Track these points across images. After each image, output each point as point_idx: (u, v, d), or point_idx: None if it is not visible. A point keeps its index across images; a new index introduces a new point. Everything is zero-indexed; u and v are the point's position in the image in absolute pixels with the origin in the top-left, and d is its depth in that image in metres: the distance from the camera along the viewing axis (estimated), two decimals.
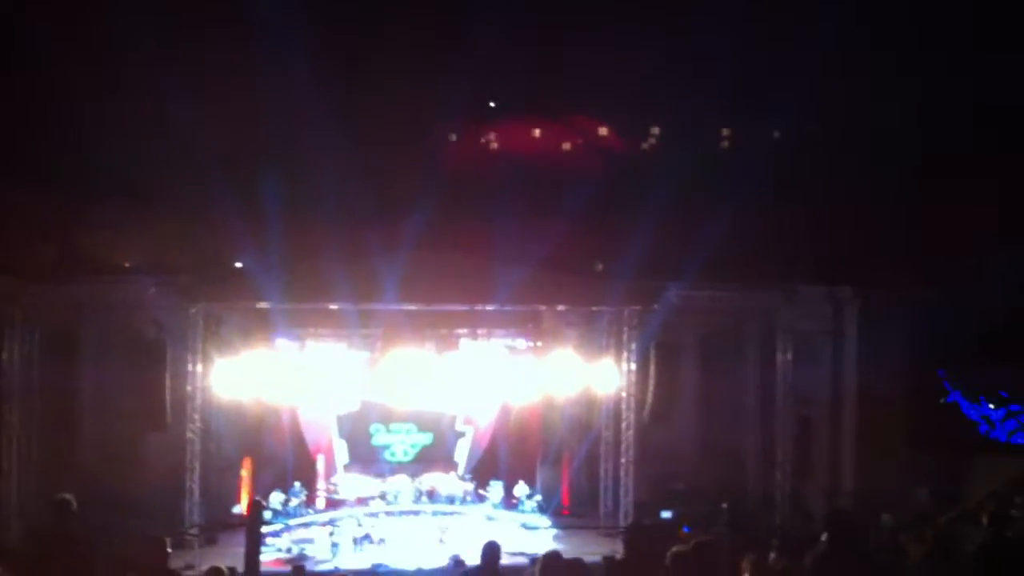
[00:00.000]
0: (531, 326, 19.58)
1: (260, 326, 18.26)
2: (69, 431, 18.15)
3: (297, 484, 18.77)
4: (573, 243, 18.84)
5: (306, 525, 18.28)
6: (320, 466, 19.66)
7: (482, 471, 19.84)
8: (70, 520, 7.64)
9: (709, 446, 19.74)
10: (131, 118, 19.58)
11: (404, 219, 17.89)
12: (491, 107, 25.92)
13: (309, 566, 16.00)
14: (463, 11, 20.15)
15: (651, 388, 19.16)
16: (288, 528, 18.04)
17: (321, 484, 19.50)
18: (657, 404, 19.17)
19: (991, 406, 18.08)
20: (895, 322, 17.76)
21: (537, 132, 25.99)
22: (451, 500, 19.16)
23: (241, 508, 18.35)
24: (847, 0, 18.64)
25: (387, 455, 19.98)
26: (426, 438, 20.15)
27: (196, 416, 17.50)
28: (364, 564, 16.50)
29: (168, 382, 17.88)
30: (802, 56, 18.33)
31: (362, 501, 18.98)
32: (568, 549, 14.17)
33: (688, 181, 19.53)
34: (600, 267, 21.19)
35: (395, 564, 16.50)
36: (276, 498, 18.33)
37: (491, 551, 7.91)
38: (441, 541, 17.60)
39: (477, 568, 8.14)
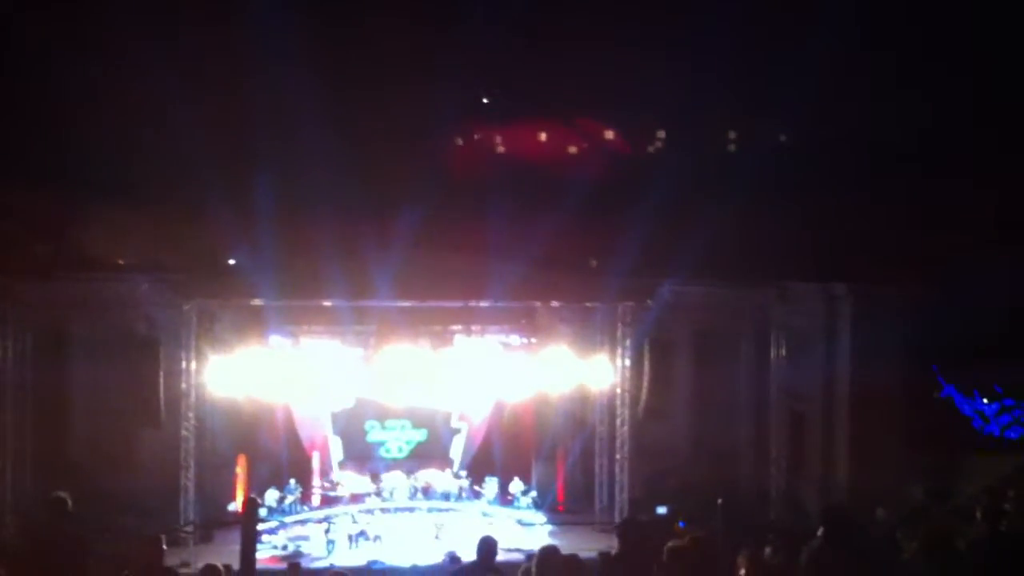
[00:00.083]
0: (525, 322, 19.59)
1: (254, 323, 18.24)
2: (63, 429, 18.10)
3: (292, 481, 18.78)
4: (568, 240, 18.82)
5: (302, 522, 18.32)
6: (315, 463, 19.67)
7: (477, 467, 19.87)
8: (65, 519, 7.61)
9: (703, 442, 19.77)
10: (124, 115, 19.53)
11: (398, 216, 17.87)
12: (484, 103, 25.88)
13: (305, 563, 15.99)
14: (463, 10, 20.12)
15: (645, 384, 19.18)
16: (284, 525, 18.07)
17: (316, 481, 19.51)
18: (652, 400, 19.20)
19: (985, 401, 18.15)
20: (889, 318, 17.78)
21: (538, 133, 25.98)
22: (446, 497, 19.21)
23: (236, 505, 18.33)
24: (847, 1, 18.66)
25: (382, 452, 20.00)
26: (421, 434, 20.16)
27: (191, 414, 17.49)
28: (360, 561, 16.51)
29: (162, 379, 17.86)
30: (800, 57, 18.36)
31: (357, 498, 19.00)
32: (563, 545, 14.12)
33: (688, 182, 19.53)
34: (594, 263, 21.20)
35: (391, 561, 16.52)
36: (271, 495, 18.35)
37: (487, 547, 7.91)
38: (436, 537, 17.61)
39: (473, 564, 8.14)
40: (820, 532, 6.89)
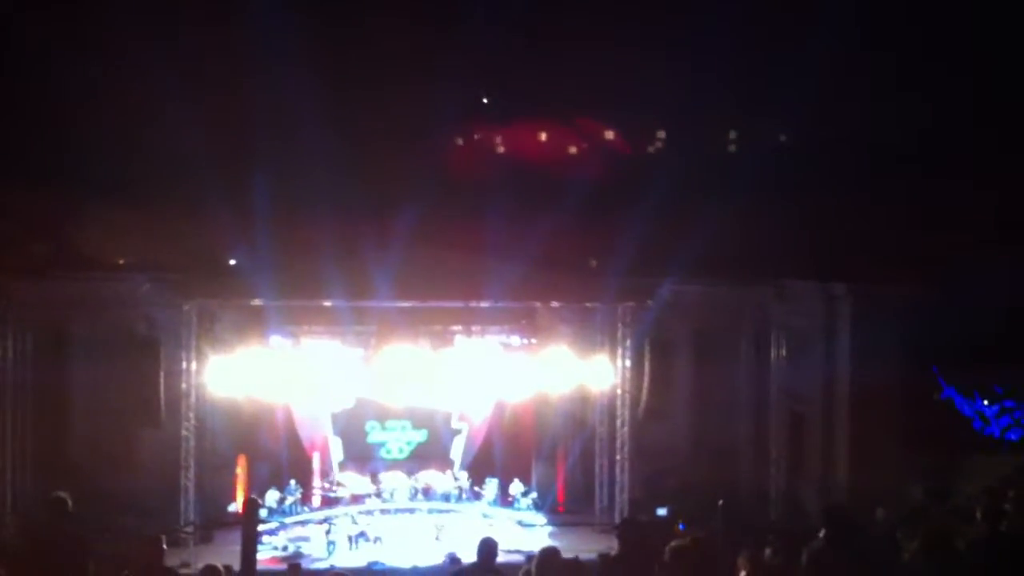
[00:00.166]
0: (526, 323, 19.57)
1: (254, 323, 18.22)
2: (63, 429, 18.09)
3: (292, 482, 18.77)
4: (567, 240, 18.83)
5: (302, 523, 18.30)
6: (315, 464, 19.66)
7: (477, 468, 19.86)
8: (65, 519, 7.60)
9: (703, 442, 19.77)
10: (124, 115, 19.54)
11: (398, 216, 17.87)
12: (485, 104, 25.91)
13: (305, 564, 15.99)
14: (463, 10, 20.13)
15: (646, 385, 19.18)
16: (284, 526, 18.06)
17: (317, 482, 19.50)
18: (652, 401, 19.20)
19: (985, 403, 18.14)
20: (888, 319, 17.77)
21: (537, 133, 26.00)
22: (447, 498, 19.19)
23: (237, 506, 18.32)
24: (846, 2, 18.67)
25: (382, 452, 19.98)
26: (421, 435, 20.15)
27: (191, 414, 17.47)
28: (360, 562, 16.51)
29: (162, 379, 17.87)
30: (800, 57, 18.37)
31: (358, 499, 18.99)
32: (564, 546, 14.12)
33: (687, 181, 19.55)
34: (594, 264, 21.20)
35: (391, 562, 16.51)
36: (272, 496, 18.34)
37: (487, 548, 7.89)
38: (437, 539, 17.60)
39: (473, 565, 8.13)
40: (822, 533, 6.89)
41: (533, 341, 19.19)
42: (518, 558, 13.42)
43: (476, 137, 26.13)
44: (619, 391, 18.67)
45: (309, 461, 19.63)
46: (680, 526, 15.05)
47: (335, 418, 19.64)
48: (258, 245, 17.66)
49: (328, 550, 17.25)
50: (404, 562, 16.45)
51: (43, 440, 17.76)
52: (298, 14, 19.34)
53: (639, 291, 18.31)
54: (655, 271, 18.24)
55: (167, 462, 17.45)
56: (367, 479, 19.44)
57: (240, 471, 19.08)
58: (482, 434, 20.19)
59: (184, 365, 17.45)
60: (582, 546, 14.49)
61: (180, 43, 19.72)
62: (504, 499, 19.38)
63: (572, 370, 18.58)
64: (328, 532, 17.64)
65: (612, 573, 9.17)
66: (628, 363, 18.62)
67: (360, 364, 18.25)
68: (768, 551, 9.41)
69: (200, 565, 8.70)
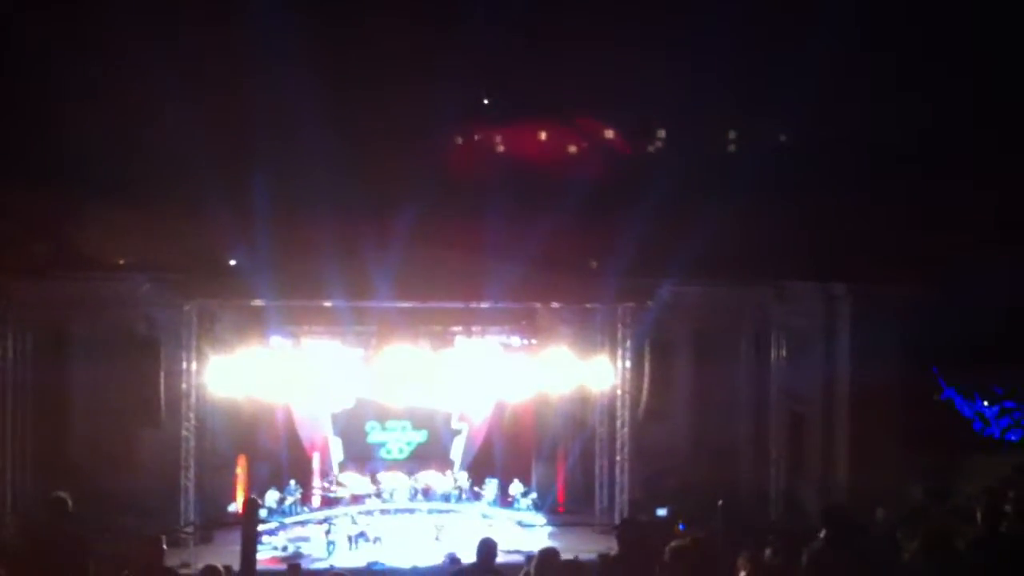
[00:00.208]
0: (526, 323, 19.57)
1: (254, 323, 18.22)
2: (63, 429, 18.09)
3: (292, 482, 18.77)
4: (567, 240, 18.84)
5: (302, 523, 18.30)
6: (315, 464, 19.66)
7: (477, 469, 19.86)
8: (65, 519, 7.60)
9: (703, 442, 19.76)
10: (124, 114, 19.54)
11: (398, 216, 17.87)
12: (485, 104, 25.91)
13: (305, 564, 16.00)
14: (463, 10, 20.13)
15: (646, 385, 19.18)
16: (284, 526, 18.05)
17: (317, 482, 19.50)
18: (652, 401, 19.20)
19: (985, 403, 18.14)
20: (888, 319, 17.78)
21: (537, 133, 26.00)
22: (446, 498, 19.19)
23: (237, 506, 18.32)
24: (846, 2, 18.67)
25: (382, 453, 19.98)
26: (421, 435, 20.15)
27: (191, 414, 17.47)
28: (360, 562, 16.50)
29: (162, 380, 17.86)
30: (800, 57, 18.36)
31: (358, 499, 18.99)
32: (564, 546, 14.12)
33: (686, 181, 19.54)
34: (594, 264, 21.20)
35: (391, 562, 16.50)
36: (272, 496, 18.34)
37: (486, 548, 7.89)
38: (437, 539, 17.60)
39: (473, 566, 8.13)
40: (822, 534, 6.88)
41: (533, 342, 19.19)
42: (518, 558, 13.42)
43: (476, 137, 26.13)
44: (619, 392, 18.67)
45: (309, 461, 19.63)
46: (680, 526, 15.05)
47: (335, 418, 19.64)
48: (258, 245, 17.66)
49: (328, 550, 17.25)
50: (404, 562, 16.45)
51: (43, 440, 17.75)
52: (298, 14, 19.34)
53: (639, 292, 18.30)
54: (655, 272, 18.23)
55: (167, 462, 17.45)
56: (367, 479, 19.43)
57: (240, 471, 19.09)
58: (482, 434, 20.19)
59: (184, 365, 17.45)
60: (582, 546, 14.48)
61: (180, 43, 19.71)
62: (504, 499, 19.38)
63: (572, 371, 18.58)
64: (328, 532, 17.64)
65: (612, 574, 9.16)
66: (628, 364, 18.61)
67: (360, 364, 18.25)
68: (768, 551, 9.41)
69: (200, 565, 8.71)
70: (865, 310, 18.18)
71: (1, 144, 18.31)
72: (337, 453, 19.80)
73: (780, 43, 20.40)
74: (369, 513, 18.61)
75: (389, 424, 19.98)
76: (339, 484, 19.34)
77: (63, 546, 7.43)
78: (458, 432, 20.18)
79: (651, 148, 26.43)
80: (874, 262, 18.21)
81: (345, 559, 16.75)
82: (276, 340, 18.29)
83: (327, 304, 17.92)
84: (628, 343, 18.56)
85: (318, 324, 18.61)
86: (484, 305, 18.30)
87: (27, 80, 19.28)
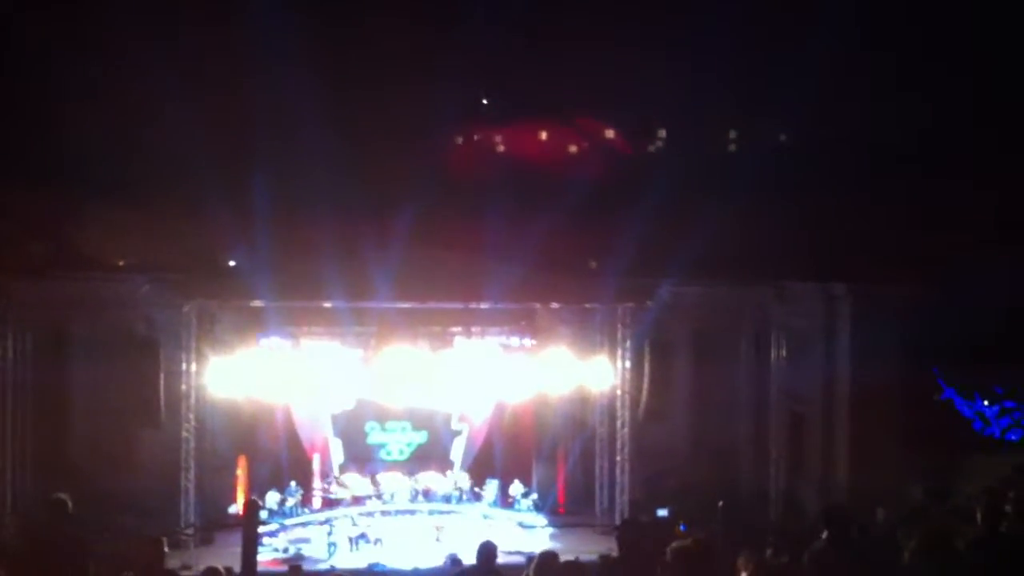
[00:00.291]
0: (525, 324, 19.58)
1: (254, 324, 18.23)
2: (63, 430, 18.08)
3: (293, 483, 18.77)
4: (567, 241, 18.82)
5: (303, 525, 18.30)
6: (316, 465, 19.65)
7: (478, 470, 19.87)
8: (65, 520, 7.59)
9: (703, 443, 19.77)
10: (123, 115, 19.51)
11: (398, 217, 17.86)
12: (484, 104, 25.88)
13: (306, 566, 16.01)
14: (463, 10, 20.10)
15: (646, 386, 19.17)
16: (284, 528, 18.06)
17: (317, 483, 19.50)
18: (652, 401, 19.20)
19: (986, 403, 18.12)
20: (888, 319, 17.77)
21: (537, 133, 25.97)
22: (447, 499, 19.20)
23: (237, 508, 18.33)
24: (846, 1, 18.65)
25: (382, 454, 19.99)
26: (421, 436, 20.15)
27: (191, 415, 17.47)
28: (361, 564, 16.51)
29: (162, 380, 17.85)
30: (800, 56, 18.35)
31: (358, 500, 18.99)
32: (564, 547, 14.20)
33: (686, 181, 19.52)
34: (594, 265, 21.19)
35: (392, 563, 16.51)
36: (272, 498, 18.35)
37: (487, 551, 7.90)
38: (437, 540, 17.60)
39: (473, 567, 8.13)
40: (824, 535, 6.88)
41: (533, 342, 19.19)
42: (519, 559, 13.42)
43: (476, 137, 26.11)
44: (619, 392, 18.67)
45: (309, 462, 19.64)
46: (681, 527, 15.05)
47: (335, 419, 19.64)
48: (258, 246, 17.65)
49: (329, 552, 17.25)
50: (405, 564, 16.45)
51: (43, 441, 17.75)
52: (298, 14, 19.32)
53: (639, 292, 18.31)
54: (654, 272, 18.23)
55: (167, 463, 17.45)
56: (367, 480, 19.44)
57: (240, 472, 19.08)
58: (482, 435, 20.19)
59: (184, 366, 17.45)
60: (583, 547, 14.50)
61: (180, 43, 19.69)
62: (504, 500, 19.38)
63: (572, 371, 18.59)
64: (329, 534, 17.64)
65: (612, 575, 9.18)
66: (628, 364, 18.62)
67: (360, 365, 18.25)
68: (769, 551, 9.41)
69: (201, 567, 8.73)
70: (865, 310, 18.17)
71: (1, 144, 18.28)
72: (337, 454, 19.80)
73: (780, 42, 20.38)
74: (370, 514, 18.62)
75: (389, 425, 19.98)
76: (340, 485, 19.34)
77: (63, 547, 7.42)
78: (458, 433, 20.18)
79: (651, 148, 26.40)
80: (874, 262, 18.20)
81: (346, 560, 16.75)
82: (275, 341, 18.23)
83: (327, 305, 17.93)
84: (628, 343, 18.57)
85: (318, 325, 18.62)
86: (484, 306, 18.31)
87: (27, 80, 19.24)
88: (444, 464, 19.96)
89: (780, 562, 8.74)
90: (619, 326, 18.58)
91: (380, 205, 19.09)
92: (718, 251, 17.68)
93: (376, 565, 16.47)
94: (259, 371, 17.72)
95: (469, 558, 9.58)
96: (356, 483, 19.39)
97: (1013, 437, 17.94)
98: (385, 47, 21.60)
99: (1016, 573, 7.29)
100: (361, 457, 19.85)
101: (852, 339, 18.31)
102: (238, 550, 7.72)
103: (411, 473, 19.60)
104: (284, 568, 15.43)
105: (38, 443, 17.71)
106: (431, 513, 18.81)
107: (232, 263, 19.64)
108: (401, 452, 20.08)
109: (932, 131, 19.31)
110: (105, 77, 20.04)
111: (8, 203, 17.45)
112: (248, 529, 7.73)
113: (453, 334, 18.88)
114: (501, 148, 26.10)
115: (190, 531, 16.70)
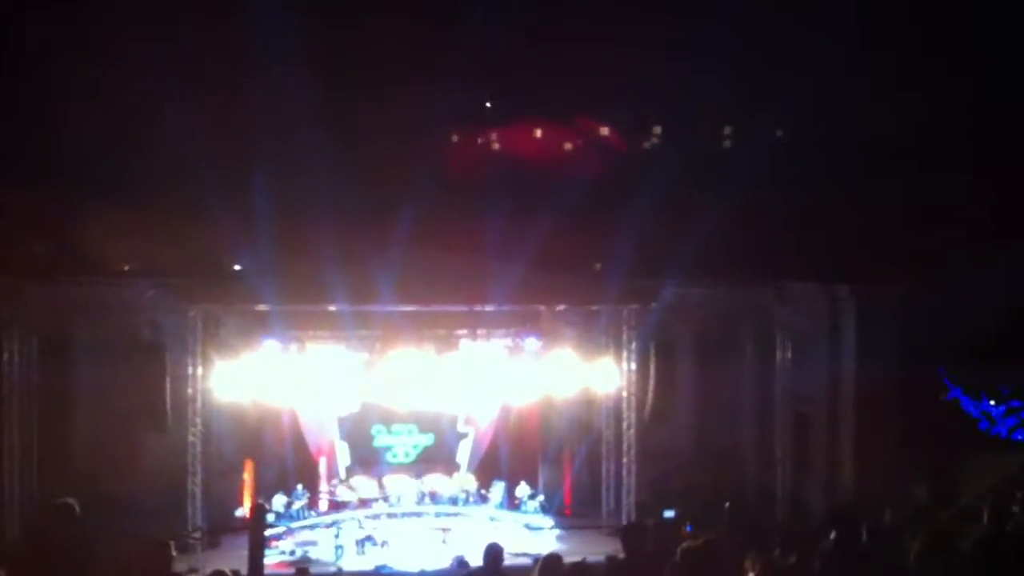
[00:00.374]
0: (530, 326, 19.57)
1: (259, 328, 18.24)
2: (68, 433, 18.12)
3: (299, 487, 18.78)
4: (571, 242, 18.81)
5: (309, 527, 18.31)
6: (322, 468, 19.67)
7: (484, 472, 19.86)
8: (71, 524, 7.61)
9: (708, 444, 19.76)
10: (126, 116, 19.52)
11: (401, 220, 17.87)
12: (487, 107, 25.89)
13: (313, 569, 16.05)
14: (463, 10, 20.10)
15: (651, 387, 19.17)
16: (291, 531, 18.06)
17: (323, 486, 19.50)
18: (657, 403, 19.20)
19: (992, 403, 18.06)
20: (892, 319, 17.73)
21: (536, 132, 25.96)
22: (453, 501, 19.19)
23: (244, 511, 18.35)
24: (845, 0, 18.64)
25: (389, 456, 19.99)
26: (427, 439, 20.16)
27: (197, 419, 17.49)
28: (368, 566, 16.53)
29: (168, 384, 17.89)
30: (798, 53, 18.32)
31: (365, 503, 19.00)
32: (571, 549, 14.21)
33: (684, 179, 19.50)
34: (598, 266, 21.19)
35: (398, 566, 16.50)
36: (279, 501, 18.35)
37: (493, 553, 7.91)
38: (444, 542, 17.60)
39: (480, 570, 8.13)
40: (832, 535, 6.87)
41: (538, 344, 19.18)
42: (525, 561, 13.41)
43: (478, 139, 26.11)
44: (624, 393, 18.67)
45: (316, 465, 19.64)
46: (688, 527, 15.04)
47: (341, 422, 19.65)
48: (262, 250, 17.66)
49: (336, 554, 17.26)
50: (411, 566, 16.43)
51: (48, 445, 17.78)
52: (298, 14, 19.32)
53: (643, 293, 18.31)
54: (658, 273, 18.22)
55: (173, 467, 17.48)
56: (374, 483, 19.44)
57: (247, 476, 19.10)
58: (488, 437, 20.19)
59: (190, 370, 17.48)
60: (589, 549, 14.48)
61: (180, 43, 19.70)
62: (511, 502, 19.37)
63: (577, 373, 18.58)
64: (335, 536, 17.64)
65: None
66: (633, 366, 18.62)
67: (365, 368, 18.26)
68: (776, 552, 9.39)
69: (208, 570, 8.74)
70: (869, 310, 18.15)
71: (3, 145, 18.31)
72: (344, 457, 19.81)
73: (776, 39, 20.35)
74: (376, 517, 18.62)
75: (395, 428, 19.99)
76: (346, 488, 19.35)
77: (68, 550, 7.44)
78: (464, 435, 20.19)
79: (647, 145, 26.35)
80: (877, 262, 18.17)
81: (353, 563, 16.76)
82: (281, 344, 18.21)
83: (331, 308, 17.94)
84: (633, 345, 18.57)
85: (322, 329, 18.62)
86: (488, 308, 18.31)
87: (28, 80, 19.26)
88: (450, 466, 19.96)
89: (788, 562, 8.72)
90: (624, 328, 18.58)
91: (381, 207, 19.10)
92: (718, 252, 17.66)
93: (383, 567, 16.48)
94: (265, 375, 17.73)
95: (476, 560, 9.58)
96: (362, 486, 19.39)
97: (1020, 437, 17.87)
98: (385, 47, 21.60)
99: (1021, 574, 7.27)
100: (367, 460, 19.86)
101: (856, 339, 18.29)
102: (245, 553, 7.73)
103: (417, 475, 19.60)
104: (291, 571, 15.45)
105: (43, 447, 17.75)
106: (437, 515, 18.81)
107: (237, 267, 19.66)
108: (407, 455, 20.08)
109: (930, 126, 19.27)
110: (105, 77, 20.04)
111: (9, 204, 17.47)
112: (255, 532, 7.75)
113: (458, 337, 18.87)
114: (503, 149, 26.09)
115: (197, 535, 16.73)
